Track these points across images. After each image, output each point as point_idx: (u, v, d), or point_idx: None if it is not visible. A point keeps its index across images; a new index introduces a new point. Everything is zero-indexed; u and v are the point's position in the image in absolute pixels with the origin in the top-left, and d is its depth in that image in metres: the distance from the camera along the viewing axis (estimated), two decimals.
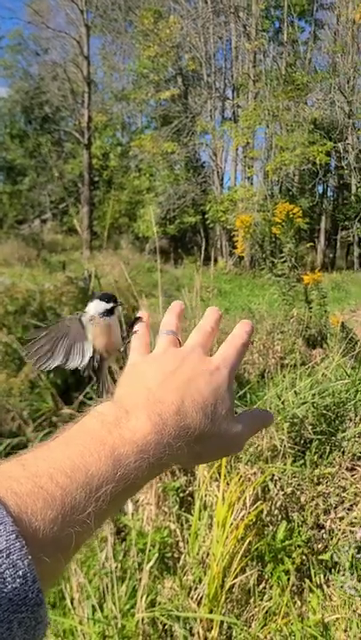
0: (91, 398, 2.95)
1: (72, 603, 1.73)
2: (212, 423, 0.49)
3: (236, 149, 19.25)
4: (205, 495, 2.00)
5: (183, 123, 18.06)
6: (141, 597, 1.70)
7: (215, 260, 16.18)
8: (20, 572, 0.31)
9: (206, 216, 18.22)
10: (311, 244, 17.65)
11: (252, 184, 18.30)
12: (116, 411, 0.46)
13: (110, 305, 0.73)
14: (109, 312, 0.72)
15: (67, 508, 0.37)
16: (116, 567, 1.85)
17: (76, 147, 20.29)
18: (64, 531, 0.37)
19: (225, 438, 0.51)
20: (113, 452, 0.41)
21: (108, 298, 0.73)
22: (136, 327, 0.66)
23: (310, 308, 4.91)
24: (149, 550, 1.85)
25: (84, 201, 18.25)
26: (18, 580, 0.31)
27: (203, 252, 11.31)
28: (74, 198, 21.03)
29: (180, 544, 2.00)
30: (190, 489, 2.13)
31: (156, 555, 1.87)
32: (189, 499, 2.13)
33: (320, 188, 20.23)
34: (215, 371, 0.52)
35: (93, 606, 1.73)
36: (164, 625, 1.72)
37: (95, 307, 0.73)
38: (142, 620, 1.68)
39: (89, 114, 17.88)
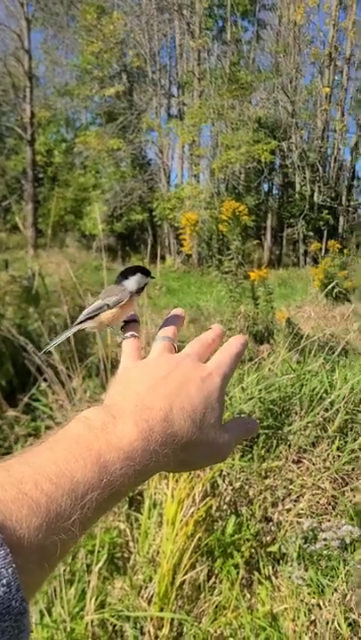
0: (36, 400, 2.89)
1: None
2: (199, 431, 0.49)
3: (183, 147, 19.31)
4: (155, 493, 2.00)
5: (129, 119, 17.97)
6: (90, 599, 1.68)
7: (163, 258, 16.19)
8: (4, 581, 0.31)
9: (154, 213, 18.20)
10: (258, 241, 17.92)
11: (198, 182, 18.40)
12: (104, 416, 0.45)
13: (148, 279, 0.70)
14: (141, 289, 0.69)
15: (52, 516, 0.36)
16: (65, 570, 1.82)
17: (19, 142, 19.77)
18: (49, 538, 0.36)
19: (212, 447, 0.50)
20: (99, 459, 0.41)
21: (147, 272, 0.70)
22: (128, 334, 0.64)
23: (257, 304, 4.99)
24: (98, 552, 1.83)
25: (28, 198, 17.84)
26: (2, 589, 0.30)
27: (150, 249, 11.31)
28: (17, 195, 20.52)
29: (130, 544, 1.99)
30: (139, 487, 2.12)
31: (106, 555, 1.85)
32: (139, 497, 2.13)
33: (265, 186, 20.56)
34: (207, 377, 0.52)
35: (41, 611, 1.69)
36: (115, 626, 1.71)
37: (137, 280, 0.69)
38: (92, 622, 1.66)
39: (31, 109, 17.48)
